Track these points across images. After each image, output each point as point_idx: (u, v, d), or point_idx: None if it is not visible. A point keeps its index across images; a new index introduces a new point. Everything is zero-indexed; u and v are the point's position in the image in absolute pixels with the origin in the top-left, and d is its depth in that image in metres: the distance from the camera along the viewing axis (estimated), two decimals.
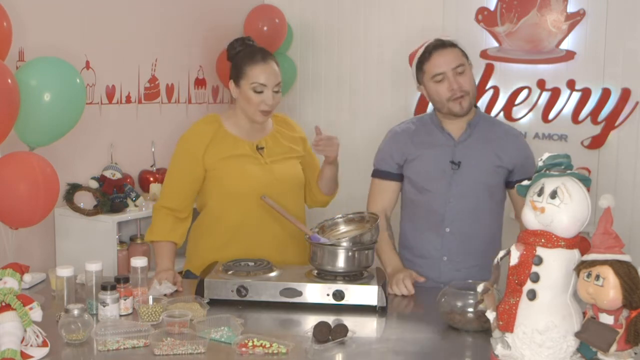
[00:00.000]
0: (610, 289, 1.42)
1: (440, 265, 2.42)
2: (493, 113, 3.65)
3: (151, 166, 3.51)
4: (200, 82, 3.86)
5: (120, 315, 1.99)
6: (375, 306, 2.07)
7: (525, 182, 1.60)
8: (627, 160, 3.45)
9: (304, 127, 2.74)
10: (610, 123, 3.44)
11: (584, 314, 1.54)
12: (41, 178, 2.46)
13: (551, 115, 3.57)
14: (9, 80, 2.36)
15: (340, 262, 2.14)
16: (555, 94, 3.56)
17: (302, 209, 2.61)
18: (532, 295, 1.53)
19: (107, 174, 3.17)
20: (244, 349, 1.74)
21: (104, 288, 1.96)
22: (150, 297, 2.05)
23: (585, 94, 3.49)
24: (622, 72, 3.41)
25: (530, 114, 3.62)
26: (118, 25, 3.32)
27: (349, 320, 1.96)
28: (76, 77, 2.67)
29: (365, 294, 2.08)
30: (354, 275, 2.15)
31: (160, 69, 3.58)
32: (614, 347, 1.44)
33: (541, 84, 3.58)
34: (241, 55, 2.46)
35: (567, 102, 3.53)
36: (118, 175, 3.18)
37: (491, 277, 1.65)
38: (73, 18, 3.10)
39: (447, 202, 2.39)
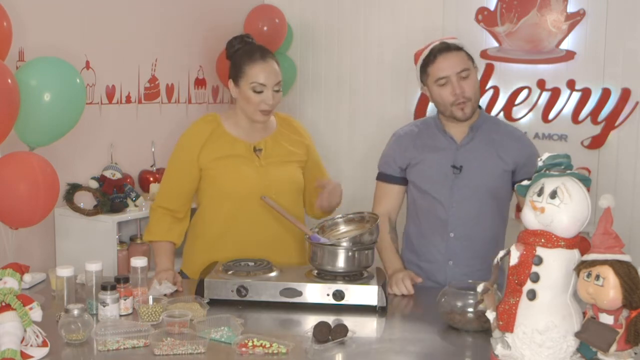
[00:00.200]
0: (610, 289, 1.42)
1: (446, 270, 2.41)
2: (493, 113, 3.65)
3: (151, 166, 3.51)
4: (200, 82, 3.86)
5: (120, 315, 1.99)
6: (375, 306, 2.07)
7: (525, 182, 1.60)
8: (627, 160, 3.45)
9: (304, 127, 2.71)
10: (610, 123, 3.44)
11: (584, 314, 1.54)
12: (41, 178, 2.46)
13: (551, 115, 3.57)
14: (9, 80, 2.36)
15: (340, 262, 2.14)
16: (555, 94, 3.56)
17: (299, 214, 2.52)
18: (532, 295, 1.53)
19: (107, 174, 3.17)
20: (244, 349, 1.74)
21: (104, 288, 1.96)
22: (150, 297, 2.05)
23: (585, 94, 3.49)
24: (622, 72, 3.41)
25: (530, 114, 3.62)
26: (118, 25, 3.32)
27: (349, 320, 1.95)
28: (76, 77, 2.67)
29: (365, 294, 2.08)
30: (354, 275, 2.15)
31: (160, 69, 3.58)
32: (614, 347, 1.44)
33: (541, 84, 3.58)
34: (240, 53, 2.42)
35: (567, 102, 3.53)
36: (118, 175, 3.18)
37: (491, 277, 1.65)
38: (73, 18, 3.10)
39: (450, 207, 2.38)
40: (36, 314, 1.73)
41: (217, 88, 3.98)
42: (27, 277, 1.85)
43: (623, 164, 3.46)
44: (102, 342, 1.76)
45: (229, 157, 2.42)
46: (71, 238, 3.06)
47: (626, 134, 3.44)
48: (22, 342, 1.67)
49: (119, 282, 2.01)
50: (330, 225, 2.35)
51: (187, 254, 2.56)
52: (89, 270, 2.05)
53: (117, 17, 3.31)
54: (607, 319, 1.47)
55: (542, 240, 1.53)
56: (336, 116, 4.18)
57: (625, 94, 3.39)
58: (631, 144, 3.43)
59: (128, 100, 3.42)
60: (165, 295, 2.15)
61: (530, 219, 1.55)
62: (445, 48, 2.35)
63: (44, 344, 1.73)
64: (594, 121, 3.48)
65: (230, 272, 2.17)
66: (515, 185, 1.67)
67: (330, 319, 1.95)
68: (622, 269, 1.43)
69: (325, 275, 2.16)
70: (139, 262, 2.13)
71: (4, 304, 1.68)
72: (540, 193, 1.54)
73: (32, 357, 1.67)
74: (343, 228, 2.35)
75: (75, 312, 1.80)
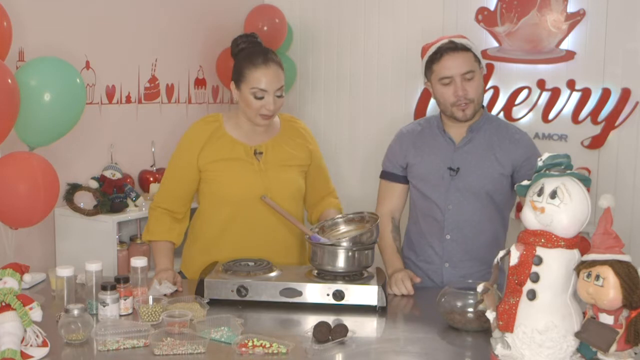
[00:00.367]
0: (610, 289, 1.42)
1: (442, 271, 2.41)
2: (493, 113, 3.65)
3: (151, 166, 3.51)
4: (200, 82, 3.86)
5: (120, 315, 1.99)
6: (375, 306, 2.07)
7: (525, 182, 1.60)
8: (627, 160, 3.45)
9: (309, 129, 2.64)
10: (610, 123, 3.44)
11: (584, 314, 1.54)
12: (41, 178, 2.46)
13: (551, 115, 3.57)
14: (9, 80, 2.36)
15: (340, 262, 2.14)
16: (555, 94, 3.56)
17: (299, 218, 2.46)
18: (532, 295, 1.53)
19: (107, 174, 3.17)
20: (244, 349, 1.74)
21: (104, 288, 1.96)
22: (150, 297, 2.05)
23: (585, 94, 3.49)
24: (622, 72, 3.41)
25: (530, 114, 3.62)
26: (118, 25, 3.32)
27: (349, 320, 1.95)
28: (76, 77, 2.67)
29: (365, 294, 2.07)
30: (354, 275, 2.15)
31: (160, 69, 3.58)
32: (613, 347, 1.44)
33: (541, 84, 3.58)
34: (243, 54, 2.37)
35: (567, 102, 3.53)
36: (118, 175, 3.18)
37: (491, 277, 1.65)
38: (73, 18, 3.10)
39: (445, 209, 2.37)
40: (36, 314, 1.73)
41: (217, 88, 3.98)
42: (27, 277, 1.85)
43: (623, 164, 3.46)
44: (102, 342, 1.76)
45: (228, 160, 2.39)
46: (71, 238, 3.06)
47: (626, 134, 3.43)
48: (22, 342, 1.68)
49: (119, 282, 2.01)
50: (330, 225, 2.35)
51: (186, 255, 2.55)
52: (89, 270, 2.05)
53: (117, 17, 3.32)
54: (607, 319, 1.47)
55: (542, 240, 1.53)
56: (336, 116, 4.18)
57: (625, 94, 3.39)
58: (631, 144, 3.43)
59: (128, 100, 3.42)
60: (165, 295, 2.15)
61: (530, 219, 1.55)
62: (452, 48, 2.30)
63: (44, 344, 1.73)
64: (594, 121, 3.48)
65: (230, 272, 2.17)
66: (515, 185, 1.67)
67: (330, 319, 1.95)
68: (622, 269, 1.43)
69: (325, 275, 2.16)
70: (139, 262, 2.13)
71: (4, 304, 1.68)
72: (540, 193, 1.54)
73: (32, 357, 1.67)
74: (343, 228, 2.35)
75: (75, 312, 1.80)
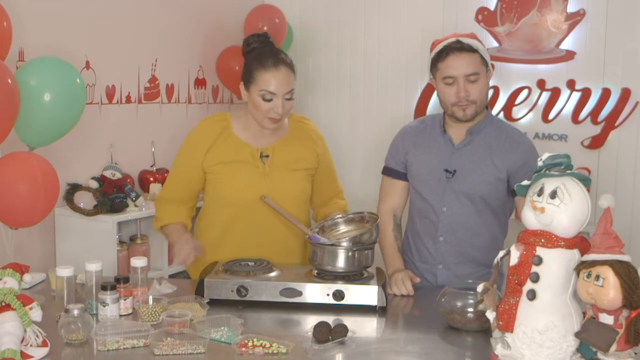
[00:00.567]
0: (610, 289, 1.42)
1: (436, 272, 2.40)
2: (493, 113, 3.65)
3: (151, 166, 3.51)
4: (200, 82, 3.86)
5: (120, 315, 1.99)
6: (375, 306, 2.07)
7: (525, 182, 1.60)
8: (627, 160, 3.45)
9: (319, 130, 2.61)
10: (610, 123, 3.44)
11: (584, 314, 1.54)
12: (41, 178, 2.46)
13: (551, 115, 3.58)
14: (9, 80, 2.36)
15: (340, 262, 2.14)
16: (555, 94, 3.56)
17: (302, 221, 2.41)
18: (532, 295, 1.53)
19: (107, 174, 3.17)
20: (244, 349, 1.74)
21: (104, 288, 1.96)
22: (150, 297, 2.05)
23: (585, 94, 3.49)
24: (622, 72, 3.41)
25: (530, 114, 3.62)
26: (118, 25, 3.32)
27: (349, 320, 1.95)
28: (76, 77, 2.67)
29: (365, 294, 2.07)
30: (354, 275, 2.15)
31: (160, 69, 3.58)
32: (613, 347, 1.44)
33: (541, 84, 3.58)
34: (253, 55, 2.32)
35: (567, 102, 3.54)
36: (118, 175, 3.18)
37: (491, 277, 1.65)
38: (73, 18, 3.11)
39: (440, 210, 2.35)
40: (36, 314, 1.73)
41: (217, 88, 3.98)
42: (27, 277, 1.85)
43: (623, 164, 3.46)
44: (102, 342, 1.76)
45: (233, 162, 2.37)
46: (71, 238, 3.06)
47: (626, 134, 3.44)
48: (22, 342, 1.67)
49: (119, 282, 2.01)
50: (330, 225, 2.35)
51: None
52: (89, 270, 2.04)
53: (117, 17, 3.32)
54: (607, 319, 1.47)
55: (542, 240, 1.53)
56: (336, 116, 4.18)
57: (625, 94, 3.40)
58: (631, 144, 3.44)
59: (128, 100, 3.42)
60: (165, 295, 2.15)
61: (530, 219, 1.55)
62: (458, 48, 2.26)
63: (44, 344, 1.73)
64: (594, 121, 3.48)
65: (230, 272, 2.17)
66: (515, 185, 1.67)
67: (330, 319, 1.95)
68: (622, 269, 1.43)
69: (325, 275, 2.16)
70: (139, 262, 2.13)
71: (4, 304, 1.68)
72: (540, 193, 1.54)
73: (32, 357, 1.67)
74: (343, 228, 2.35)
75: (75, 312, 1.80)
